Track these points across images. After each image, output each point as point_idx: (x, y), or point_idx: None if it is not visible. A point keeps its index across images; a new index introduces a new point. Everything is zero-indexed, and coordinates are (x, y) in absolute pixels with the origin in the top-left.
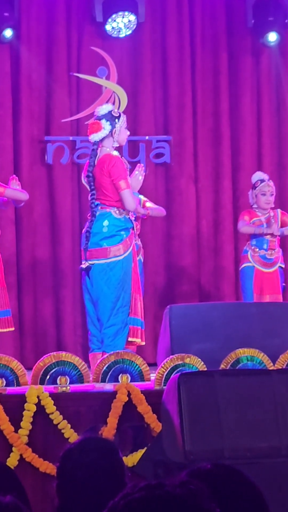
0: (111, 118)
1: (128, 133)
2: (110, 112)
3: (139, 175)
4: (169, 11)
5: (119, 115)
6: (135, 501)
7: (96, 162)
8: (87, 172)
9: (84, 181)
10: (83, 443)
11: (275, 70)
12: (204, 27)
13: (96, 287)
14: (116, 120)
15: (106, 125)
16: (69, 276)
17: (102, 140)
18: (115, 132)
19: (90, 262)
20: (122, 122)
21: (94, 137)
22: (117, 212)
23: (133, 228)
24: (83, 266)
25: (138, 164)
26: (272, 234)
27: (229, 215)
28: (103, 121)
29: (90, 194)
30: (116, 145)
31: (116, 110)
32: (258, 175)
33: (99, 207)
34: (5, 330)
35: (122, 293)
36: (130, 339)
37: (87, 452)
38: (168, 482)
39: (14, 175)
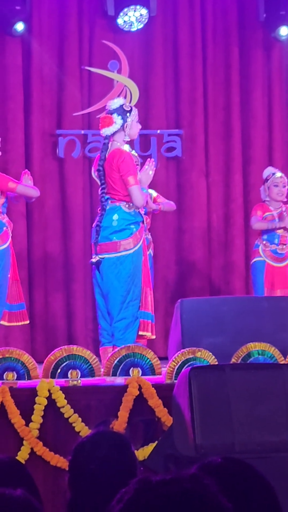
0: (122, 112)
1: (140, 127)
2: (121, 106)
3: (149, 170)
4: (181, 5)
5: (131, 109)
6: (152, 498)
7: (106, 156)
8: (98, 166)
9: (94, 175)
10: (96, 436)
11: (287, 64)
12: (216, 21)
13: (107, 281)
14: (128, 114)
15: (117, 119)
16: (80, 270)
17: (113, 134)
18: (126, 126)
19: (100, 256)
20: (133, 116)
21: (106, 131)
22: (127, 206)
23: (143, 222)
24: (93, 260)
25: (148, 159)
26: (285, 228)
27: (240, 209)
28: (115, 115)
29: (100, 188)
30: (128, 139)
31: (127, 104)
32: (269, 169)
33: (109, 201)
34: (20, 323)
35: (132, 287)
36: (140, 332)
37: (100, 445)
38: (178, 476)
39: (27, 170)
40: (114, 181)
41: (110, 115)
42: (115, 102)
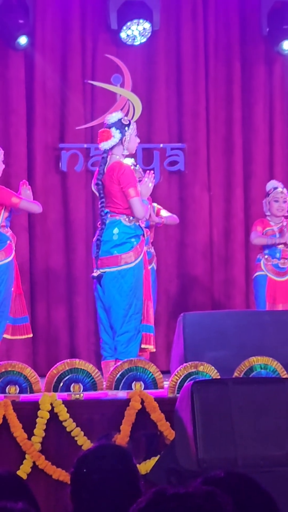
0: (121, 126)
1: (138, 140)
2: (120, 120)
3: (148, 182)
4: (184, 19)
5: (129, 123)
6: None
7: (105, 170)
8: (97, 180)
9: (93, 188)
10: (98, 449)
11: None
12: (218, 35)
13: (108, 294)
14: (126, 128)
15: (116, 133)
16: (82, 283)
17: (112, 148)
18: (125, 140)
19: (101, 270)
20: (132, 130)
21: (104, 145)
22: (127, 219)
23: (143, 235)
24: (95, 274)
25: (148, 171)
26: (285, 244)
27: (241, 224)
28: (113, 129)
29: (99, 202)
30: (126, 153)
31: (126, 118)
32: (272, 183)
33: (109, 215)
34: (23, 336)
35: (134, 300)
36: (143, 346)
37: (102, 458)
38: (195, 490)
39: (25, 181)
40: (114, 194)
41: (109, 129)
42: (113, 116)
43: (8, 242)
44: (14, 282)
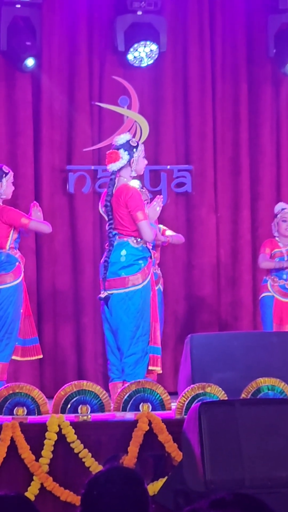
0: (129, 147)
1: (146, 162)
2: (128, 141)
3: (156, 206)
4: (191, 40)
5: (137, 145)
6: None
7: (114, 191)
8: (105, 201)
9: (101, 210)
10: (110, 472)
11: None
12: (225, 56)
13: (115, 316)
14: (134, 149)
15: (124, 155)
16: (89, 305)
17: (120, 169)
18: (133, 162)
19: (109, 292)
20: (140, 152)
21: (112, 166)
22: (135, 241)
23: (151, 257)
24: (102, 296)
25: (158, 196)
26: None
27: (248, 245)
28: (121, 151)
29: (107, 224)
30: (134, 174)
31: (134, 140)
32: (280, 205)
33: (117, 237)
34: (34, 358)
35: (141, 322)
36: (150, 367)
37: (114, 480)
38: None
39: (35, 202)
40: (122, 217)
41: (117, 151)
42: (122, 138)
43: (17, 263)
44: (23, 303)
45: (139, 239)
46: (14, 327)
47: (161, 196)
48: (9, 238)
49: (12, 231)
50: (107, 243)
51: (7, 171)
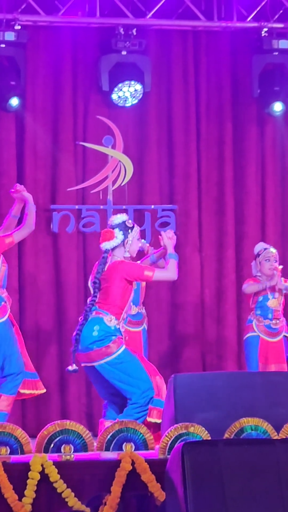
0: (124, 228)
1: (140, 244)
2: (124, 222)
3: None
4: (175, 80)
5: (133, 226)
6: None
7: (105, 269)
8: (94, 278)
9: (89, 285)
10: None
11: (280, 140)
12: (210, 96)
13: (112, 382)
14: (129, 230)
15: (119, 234)
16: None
17: (113, 249)
18: (127, 242)
19: (86, 364)
20: (135, 233)
21: (106, 245)
22: (109, 320)
23: (122, 338)
24: (70, 368)
25: (170, 231)
26: (272, 288)
27: (232, 285)
28: (116, 230)
29: (90, 298)
30: (128, 255)
31: (130, 221)
32: (261, 245)
33: (94, 312)
34: (41, 391)
35: (135, 375)
36: (153, 420)
37: None
38: None
39: (16, 184)
40: (112, 291)
41: (112, 230)
42: (118, 218)
43: (3, 303)
44: (17, 339)
45: (114, 318)
46: (11, 361)
47: (172, 230)
48: None
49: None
50: (82, 317)
51: None
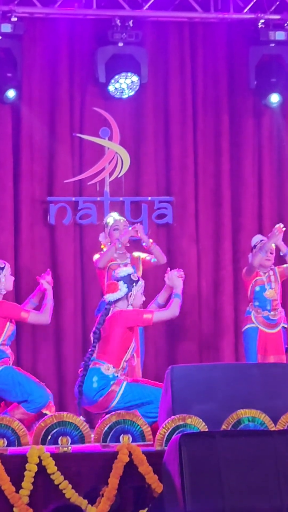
0: (129, 281)
1: (144, 299)
2: (129, 275)
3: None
4: (172, 72)
5: (138, 280)
6: None
7: (105, 319)
8: (95, 328)
9: (91, 336)
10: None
11: (277, 131)
12: (207, 88)
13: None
14: (134, 284)
15: (123, 287)
16: (71, 336)
17: (116, 301)
18: (130, 296)
19: (100, 412)
20: (139, 287)
21: (109, 297)
22: (107, 368)
23: (121, 379)
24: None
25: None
26: (273, 277)
27: (229, 276)
28: (121, 283)
29: (90, 349)
30: (130, 308)
31: (135, 274)
32: (258, 237)
33: (92, 363)
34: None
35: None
36: None
37: None
38: None
39: (48, 270)
40: (113, 339)
41: (116, 282)
42: (124, 270)
43: (5, 358)
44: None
45: (111, 367)
46: (24, 389)
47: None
48: (3, 333)
49: (8, 324)
50: (82, 368)
51: (2, 265)
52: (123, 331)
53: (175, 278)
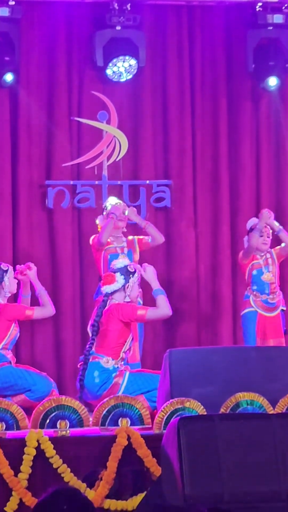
0: (126, 272)
1: (140, 290)
2: (126, 266)
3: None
4: (170, 55)
5: (134, 271)
6: None
7: (103, 312)
8: (93, 321)
9: (88, 329)
10: (54, 495)
11: (275, 114)
12: (204, 71)
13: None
14: (131, 275)
15: (120, 279)
16: (69, 321)
17: (113, 292)
18: (127, 287)
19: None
20: (136, 278)
21: (106, 288)
22: (107, 362)
23: (123, 370)
24: None
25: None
26: (270, 260)
27: (227, 260)
28: (117, 274)
29: (89, 342)
30: (128, 300)
31: (132, 266)
32: (254, 220)
33: (91, 357)
34: None
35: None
36: None
37: (58, 504)
38: None
39: (27, 263)
40: (111, 332)
41: (113, 274)
42: (120, 262)
43: (5, 362)
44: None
45: (111, 359)
46: (26, 381)
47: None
48: (6, 336)
49: (12, 327)
50: (82, 362)
51: (6, 268)
52: (120, 325)
53: (148, 273)
